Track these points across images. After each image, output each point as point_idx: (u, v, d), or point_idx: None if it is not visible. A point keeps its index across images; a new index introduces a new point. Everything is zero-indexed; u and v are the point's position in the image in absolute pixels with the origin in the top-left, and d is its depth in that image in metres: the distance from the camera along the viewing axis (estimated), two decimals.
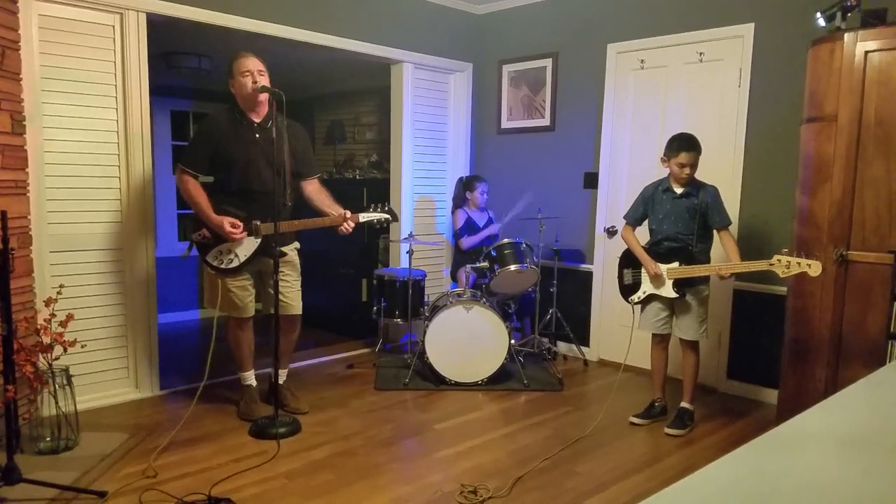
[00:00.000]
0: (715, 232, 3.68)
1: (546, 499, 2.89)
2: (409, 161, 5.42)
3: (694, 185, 3.66)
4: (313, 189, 3.83)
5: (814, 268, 3.16)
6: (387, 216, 3.75)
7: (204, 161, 3.57)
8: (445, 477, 3.08)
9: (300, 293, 3.85)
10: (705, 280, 3.67)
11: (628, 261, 3.83)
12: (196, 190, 3.54)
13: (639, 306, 3.82)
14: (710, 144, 3.90)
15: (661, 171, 4.15)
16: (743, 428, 3.80)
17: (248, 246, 3.57)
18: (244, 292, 3.70)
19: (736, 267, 3.44)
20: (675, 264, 3.61)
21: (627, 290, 3.84)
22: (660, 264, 3.64)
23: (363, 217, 3.70)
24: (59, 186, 3.64)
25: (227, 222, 3.49)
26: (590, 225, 5.13)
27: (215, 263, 3.59)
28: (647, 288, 3.73)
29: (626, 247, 3.83)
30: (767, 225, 4.20)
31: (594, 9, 5.00)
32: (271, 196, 3.46)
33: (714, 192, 3.65)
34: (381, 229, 5.37)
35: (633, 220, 3.85)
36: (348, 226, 3.62)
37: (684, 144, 3.59)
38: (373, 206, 3.77)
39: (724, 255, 3.68)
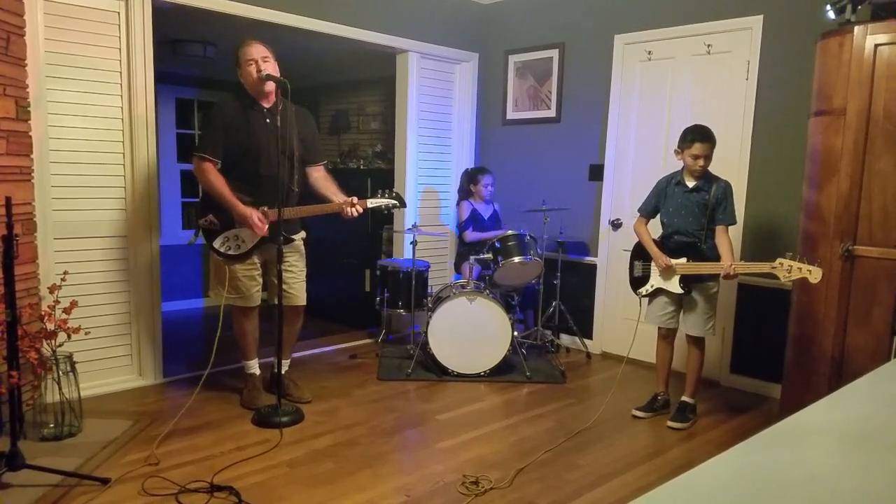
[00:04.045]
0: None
1: (547, 490, 2.89)
2: (413, 151, 5.40)
3: (707, 180, 3.62)
4: (319, 176, 3.83)
5: (814, 274, 3.16)
6: (394, 202, 3.74)
7: (221, 146, 3.52)
8: (447, 467, 3.09)
9: (304, 284, 3.86)
10: (715, 277, 3.64)
11: (639, 253, 3.81)
12: (218, 178, 3.50)
13: (646, 299, 3.81)
14: (717, 137, 3.86)
15: (668, 164, 4.13)
16: (745, 422, 3.79)
17: (254, 232, 3.57)
18: (251, 281, 3.69)
19: (739, 267, 3.43)
20: (683, 260, 3.59)
21: (637, 282, 3.83)
22: (668, 258, 3.63)
23: (371, 203, 3.69)
24: (63, 173, 3.64)
25: (255, 215, 3.47)
26: (594, 217, 5.11)
27: (222, 250, 3.59)
28: (655, 281, 3.72)
29: (637, 239, 3.82)
30: (774, 219, 4.18)
31: None
32: (279, 182, 3.45)
33: (726, 187, 3.59)
34: (386, 218, 5.37)
35: (646, 212, 3.82)
36: (354, 210, 3.61)
37: (698, 135, 3.55)
38: (380, 191, 3.77)
39: (738, 250, 3.63)
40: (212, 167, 3.51)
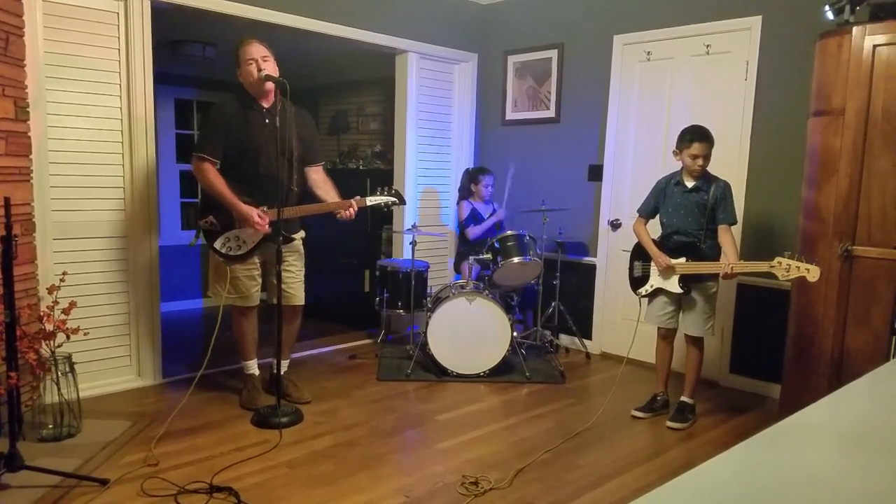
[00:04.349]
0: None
1: (547, 491, 2.89)
2: (413, 152, 5.40)
3: (706, 180, 3.62)
4: (319, 178, 3.83)
5: (812, 273, 3.16)
6: (393, 199, 3.74)
7: (220, 146, 3.52)
8: (447, 468, 3.09)
9: (303, 284, 3.86)
10: (714, 276, 3.64)
11: (639, 253, 3.81)
12: (218, 178, 3.49)
13: (646, 300, 3.81)
14: (716, 137, 3.87)
15: (667, 164, 4.13)
16: (745, 422, 3.79)
17: (255, 233, 3.57)
18: (251, 281, 3.70)
19: (737, 266, 3.43)
20: (682, 259, 3.59)
21: (636, 282, 3.83)
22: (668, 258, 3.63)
23: (370, 201, 3.70)
24: (62, 174, 3.63)
25: (255, 213, 3.47)
26: (594, 218, 5.11)
27: (223, 250, 3.59)
28: (654, 281, 3.72)
29: (637, 239, 3.82)
30: (773, 219, 4.19)
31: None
32: (279, 181, 3.45)
33: (724, 187, 3.60)
34: (386, 218, 5.37)
35: (645, 213, 3.82)
36: (350, 211, 3.61)
37: (697, 135, 3.56)
38: (379, 189, 3.77)
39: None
40: (211, 167, 3.51)
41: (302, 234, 3.86)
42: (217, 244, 3.59)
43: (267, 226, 3.50)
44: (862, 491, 1.05)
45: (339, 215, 3.62)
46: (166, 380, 4.13)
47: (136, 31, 3.79)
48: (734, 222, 3.60)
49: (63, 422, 3.22)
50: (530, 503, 2.78)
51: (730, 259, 3.46)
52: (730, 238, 3.55)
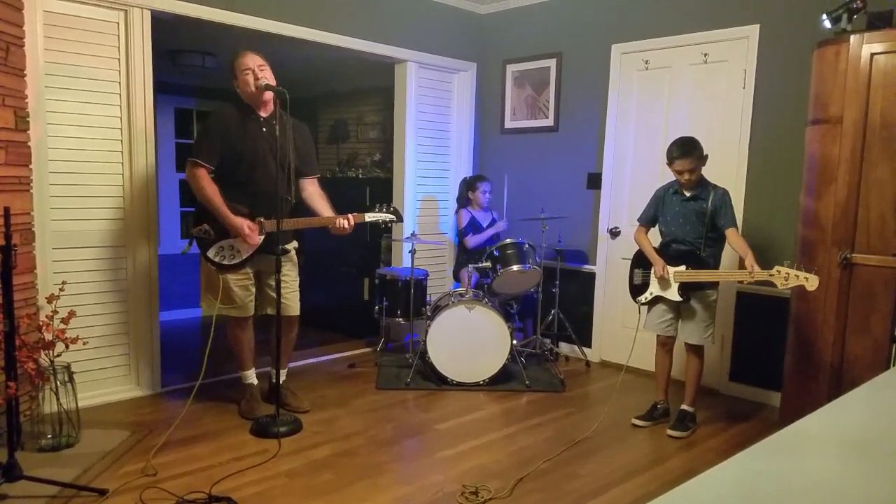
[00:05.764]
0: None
1: (547, 500, 2.88)
2: (412, 160, 5.41)
3: (704, 188, 3.63)
4: (314, 190, 3.83)
5: (811, 282, 3.15)
6: (391, 216, 3.75)
7: (216, 153, 3.53)
8: (446, 477, 3.08)
9: (298, 293, 3.86)
10: (713, 285, 3.64)
11: (639, 261, 3.81)
12: (210, 185, 3.50)
13: (645, 307, 3.81)
14: (714, 146, 3.91)
15: (665, 172, 4.14)
16: (745, 431, 3.78)
17: (248, 243, 3.56)
18: (244, 291, 3.69)
19: (737, 275, 3.42)
20: (682, 267, 3.59)
21: (636, 290, 3.82)
22: (667, 266, 3.62)
23: (369, 217, 3.70)
24: (62, 183, 3.64)
25: (246, 226, 3.47)
26: (593, 226, 5.12)
27: (217, 259, 3.58)
28: (654, 289, 3.71)
29: (637, 248, 3.82)
30: (772, 227, 4.19)
31: (599, 9, 4.99)
32: (276, 192, 3.45)
33: (724, 194, 3.60)
34: (385, 228, 5.37)
35: (645, 221, 3.83)
36: (346, 225, 3.61)
37: (678, 152, 3.55)
38: (378, 206, 3.78)
39: (736, 258, 3.59)
40: (205, 173, 3.51)
41: (295, 243, 3.87)
42: (210, 253, 3.58)
43: (256, 238, 3.49)
44: (863, 498, 1.05)
45: (334, 230, 3.62)
46: (165, 389, 4.12)
47: (136, 41, 3.80)
48: (734, 226, 3.59)
49: (62, 431, 3.21)
50: None
51: (751, 258, 3.36)
52: (741, 240, 3.52)
